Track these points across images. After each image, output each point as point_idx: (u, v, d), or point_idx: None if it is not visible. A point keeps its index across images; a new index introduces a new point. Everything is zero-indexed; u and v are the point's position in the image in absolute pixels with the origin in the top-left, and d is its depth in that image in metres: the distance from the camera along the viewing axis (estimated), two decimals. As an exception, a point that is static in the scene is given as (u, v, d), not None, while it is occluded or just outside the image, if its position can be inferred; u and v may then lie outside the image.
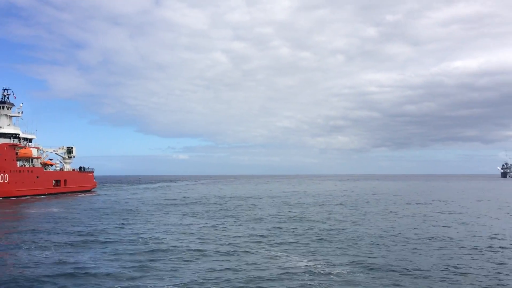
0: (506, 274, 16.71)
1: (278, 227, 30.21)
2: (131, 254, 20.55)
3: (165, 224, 31.98)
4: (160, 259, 19.31)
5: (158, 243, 23.54)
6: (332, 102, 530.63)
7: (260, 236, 26.21)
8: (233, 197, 67.07)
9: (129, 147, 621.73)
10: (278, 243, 23.58)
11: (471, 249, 21.93)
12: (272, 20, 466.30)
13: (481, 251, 21.31)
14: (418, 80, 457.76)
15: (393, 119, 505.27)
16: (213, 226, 30.95)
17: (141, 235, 26.11)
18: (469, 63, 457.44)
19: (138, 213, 40.37)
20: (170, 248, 22.05)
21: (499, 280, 15.87)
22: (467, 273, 16.82)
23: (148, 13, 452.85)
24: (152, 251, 21.27)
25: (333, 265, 18.05)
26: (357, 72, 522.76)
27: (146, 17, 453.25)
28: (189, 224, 31.91)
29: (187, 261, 19.08)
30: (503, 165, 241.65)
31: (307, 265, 17.97)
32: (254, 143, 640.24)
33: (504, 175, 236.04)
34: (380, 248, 22.13)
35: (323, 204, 51.99)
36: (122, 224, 32.09)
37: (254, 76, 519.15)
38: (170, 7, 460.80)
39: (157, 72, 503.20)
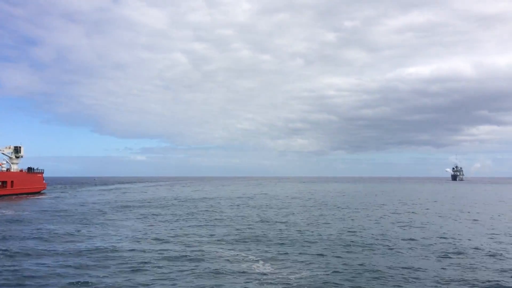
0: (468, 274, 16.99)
1: (237, 229, 29.82)
2: (76, 256, 19.43)
3: (121, 229, 30.83)
4: (111, 265, 18.37)
5: (113, 250, 22.39)
6: (292, 105, 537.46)
7: (220, 238, 25.75)
8: (193, 199, 65.95)
9: (85, 147, 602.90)
10: (236, 245, 23.17)
11: (428, 247, 22.29)
12: (233, 22, 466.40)
13: (438, 250, 21.67)
14: (374, 85, 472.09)
15: (350, 122, 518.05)
16: (173, 229, 30.19)
17: (91, 241, 24.85)
18: (422, 69, 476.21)
19: (90, 216, 38.70)
20: (125, 253, 21.16)
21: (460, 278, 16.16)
22: (422, 271, 17.04)
23: (106, 11, 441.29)
24: (105, 258, 20.21)
25: (289, 267, 17.88)
26: (316, 76, 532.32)
27: (103, 14, 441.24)
28: (146, 227, 30.96)
29: (144, 263, 18.37)
30: (453, 168, 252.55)
31: (265, 268, 17.76)
32: (214, 144, 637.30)
33: (454, 177, 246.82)
34: (340, 250, 22.17)
35: (283, 207, 51.73)
36: (68, 228, 30.49)
37: (215, 78, 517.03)
38: (129, 6, 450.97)
39: (115, 71, 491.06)
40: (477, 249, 22.46)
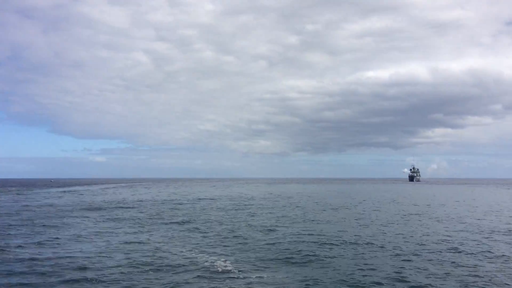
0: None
1: (197, 228, 29.50)
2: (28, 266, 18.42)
3: (79, 232, 29.53)
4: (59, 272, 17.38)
5: (70, 261, 21.29)
6: (255, 106, 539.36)
7: (183, 239, 25.27)
8: (155, 200, 64.58)
9: (41, 148, 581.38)
10: (198, 246, 22.80)
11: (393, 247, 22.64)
12: (196, 23, 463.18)
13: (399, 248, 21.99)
14: (335, 88, 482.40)
15: (312, 124, 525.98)
16: (135, 232, 29.37)
17: (41, 249, 23.73)
18: (380, 73, 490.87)
19: (42, 220, 36.99)
20: (85, 260, 20.15)
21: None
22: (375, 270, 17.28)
23: (63, 8, 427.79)
24: (60, 272, 19.13)
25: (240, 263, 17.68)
26: (279, 78, 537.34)
27: (61, 11, 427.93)
28: (106, 231, 29.93)
29: (99, 269, 17.63)
30: (410, 169, 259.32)
31: (227, 267, 17.58)
32: (176, 146, 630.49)
33: (411, 178, 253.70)
34: (304, 249, 22.15)
35: (244, 208, 51.37)
36: (15, 233, 28.99)
37: (177, 78, 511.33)
38: (88, 3, 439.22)
39: (73, 70, 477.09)
40: (438, 243, 22.93)
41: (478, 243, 24.14)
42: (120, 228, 31.31)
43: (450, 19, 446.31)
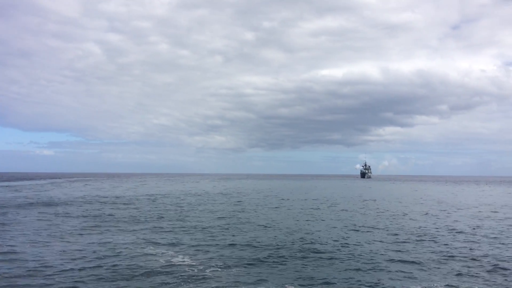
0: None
1: (158, 226, 29.05)
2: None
3: (19, 230, 28.16)
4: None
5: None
6: (210, 101, 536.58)
7: (138, 236, 24.84)
8: (106, 196, 62.77)
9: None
10: (156, 242, 22.52)
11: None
12: (151, 15, 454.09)
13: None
14: (291, 85, 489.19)
15: (267, 120, 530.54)
16: (84, 228, 28.48)
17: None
18: (334, 72, 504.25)
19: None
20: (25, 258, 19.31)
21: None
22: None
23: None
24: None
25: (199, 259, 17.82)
26: (235, 73, 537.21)
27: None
28: (56, 229, 28.79)
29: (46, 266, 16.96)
30: (362, 166, 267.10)
31: (184, 261, 17.54)
32: (129, 140, 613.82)
33: (363, 175, 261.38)
34: (257, 240, 22.40)
35: (201, 203, 51.36)
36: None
37: (130, 71, 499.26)
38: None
39: (19, 59, 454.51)
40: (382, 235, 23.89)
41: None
42: (72, 226, 30.28)
43: (400, 21, 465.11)
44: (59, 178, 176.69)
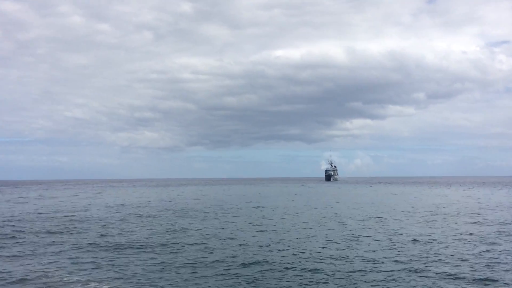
0: None
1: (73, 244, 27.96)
2: None
3: None
4: None
5: None
6: (138, 89, 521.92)
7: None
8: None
9: None
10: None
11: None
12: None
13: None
14: (238, 68, 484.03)
15: (210, 112, 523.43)
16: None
17: None
18: (291, 53, 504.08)
19: None
20: None
21: None
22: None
23: None
24: None
25: None
26: (168, 54, 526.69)
27: None
28: None
29: None
30: (327, 168, 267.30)
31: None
32: (33, 138, 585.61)
33: (328, 177, 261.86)
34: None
35: (125, 219, 45.89)
36: None
37: (34, 50, 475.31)
38: None
39: None
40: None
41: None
42: None
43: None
44: None
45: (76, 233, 34.77)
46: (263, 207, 61.57)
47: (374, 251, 26.44)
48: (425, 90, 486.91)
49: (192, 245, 29.48)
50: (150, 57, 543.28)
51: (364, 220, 43.27)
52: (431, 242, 29.27)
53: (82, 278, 20.61)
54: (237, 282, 19.89)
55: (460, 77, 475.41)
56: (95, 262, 24.07)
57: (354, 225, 38.55)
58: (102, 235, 34.12)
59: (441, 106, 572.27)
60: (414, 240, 30.12)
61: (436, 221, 41.59)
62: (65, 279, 20.46)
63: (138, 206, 63.65)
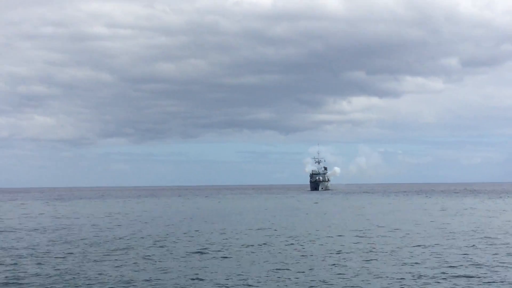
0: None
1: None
2: None
3: None
4: None
5: None
6: (23, 50, 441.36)
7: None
8: None
9: None
10: None
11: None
12: None
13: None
14: (178, 19, 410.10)
15: (136, 86, 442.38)
16: None
17: None
18: None
19: None
20: None
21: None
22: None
23: None
24: None
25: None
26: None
27: None
28: None
29: None
30: (314, 169, 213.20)
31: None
32: None
33: (314, 185, 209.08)
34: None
35: None
36: None
37: None
38: None
39: None
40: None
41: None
42: None
43: None
44: None
45: None
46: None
47: None
48: (459, 54, 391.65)
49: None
50: (43, 1, 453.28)
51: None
52: None
53: None
54: None
55: (510, 35, 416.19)
56: None
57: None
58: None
59: (482, 78, 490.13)
60: None
61: None
62: None
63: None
